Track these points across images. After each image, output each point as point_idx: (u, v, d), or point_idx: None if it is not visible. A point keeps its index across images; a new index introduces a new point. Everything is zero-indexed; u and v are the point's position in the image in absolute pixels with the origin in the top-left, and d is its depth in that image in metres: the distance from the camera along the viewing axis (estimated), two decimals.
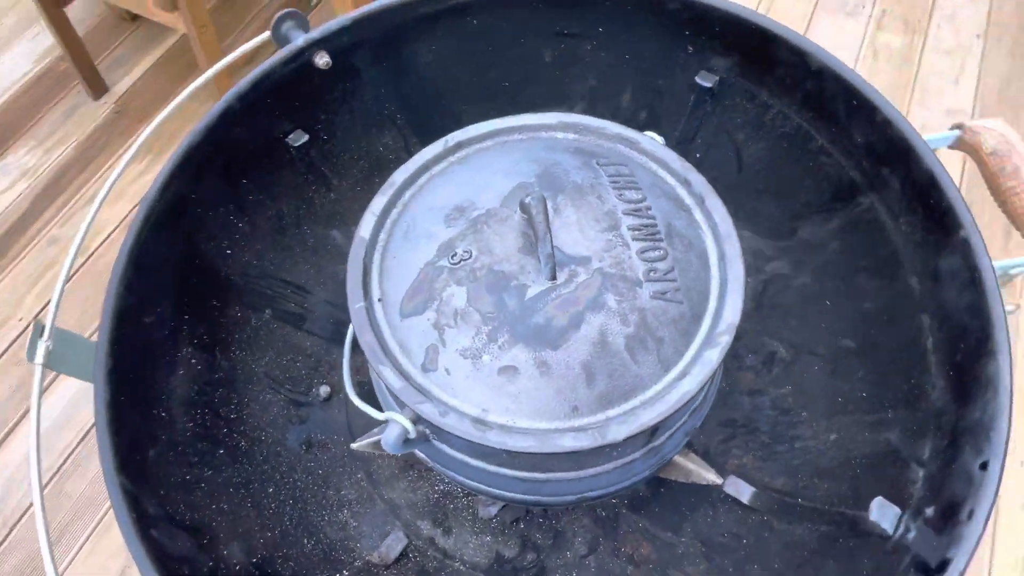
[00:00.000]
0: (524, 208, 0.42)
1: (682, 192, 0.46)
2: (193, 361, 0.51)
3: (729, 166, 0.63)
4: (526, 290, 0.40)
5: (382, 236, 0.46)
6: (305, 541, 0.52)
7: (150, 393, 0.46)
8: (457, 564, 0.57)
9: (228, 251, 0.57)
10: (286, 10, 0.56)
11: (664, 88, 0.62)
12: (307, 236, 0.64)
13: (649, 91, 0.63)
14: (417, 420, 0.40)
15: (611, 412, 0.38)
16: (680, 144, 0.65)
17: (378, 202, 0.46)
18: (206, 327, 0.54)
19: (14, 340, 1.37)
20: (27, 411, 1.28)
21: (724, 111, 0.61)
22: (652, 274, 0.41)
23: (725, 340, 0.40)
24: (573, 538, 0.59)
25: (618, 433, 0.37)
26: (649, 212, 0.44)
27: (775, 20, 0.53)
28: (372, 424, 0.63)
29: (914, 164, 0.47)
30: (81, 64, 1.59)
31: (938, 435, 0.42)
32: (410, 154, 0.57)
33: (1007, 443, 0.35)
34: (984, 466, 0.35)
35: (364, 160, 0.66)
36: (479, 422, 0.38)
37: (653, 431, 0.43)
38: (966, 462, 0.37)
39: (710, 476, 0.57)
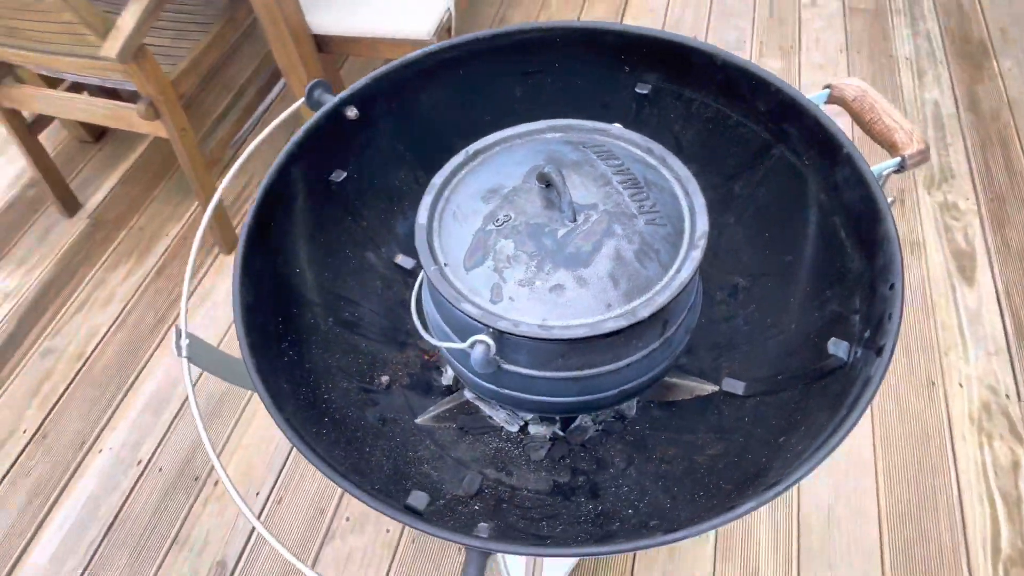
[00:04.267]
0: (542, 177, 0.57)
1: (648, 157, 0.63)
2: (291, 353, 0.63)
3: (671, 150, 0.82)
4: (557, 232, 0.56)
5: (435, 223, 0.60)
6: (404, 482, 0.63)
7: (275, 369, 0.58)
8: (524, 492, 0.68)
9: (298, 270, 0.70)
10: (316, 80, 0.72)
11: (612, 101, 0.81)
12: (350, 258, 0.77)
13: (600, 105, 0.82)
14: (498, 337, 0.53)
15: (635, 302, 0.53)
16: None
17: (426, 200, 0.61)
18: (293, 330, 0.66)
19: (20, 452, 1.39)
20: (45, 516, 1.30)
21: (661, 109, 0.80)
22: (642, 209, 0.57)
23: (702, 243, 0.56)
24: (612, 459, 0.71)
25: (644, 312, 0.52)
26: (629, 171, 0.61)
27: (686, 35, 0.73)
28: (428, 405, 0.75)
29: (803, 115, 0.66)
30: (55, 185, 1.69)
31: (862, 289, 0.58)
32: (420, 185, 0.72)
33: (902, 268, 0.52)
34: (891, 287, 0.52)
35: (384, 193, 0.81)
36: (543, 327, 0.52)
37: (664, 323, 0.58)
38: (881, 290, 0.53)
39: (707, 387, 0.72)
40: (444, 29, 1.53)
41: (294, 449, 0.56)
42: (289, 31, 1.39)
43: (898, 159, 0.61)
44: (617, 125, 0.66)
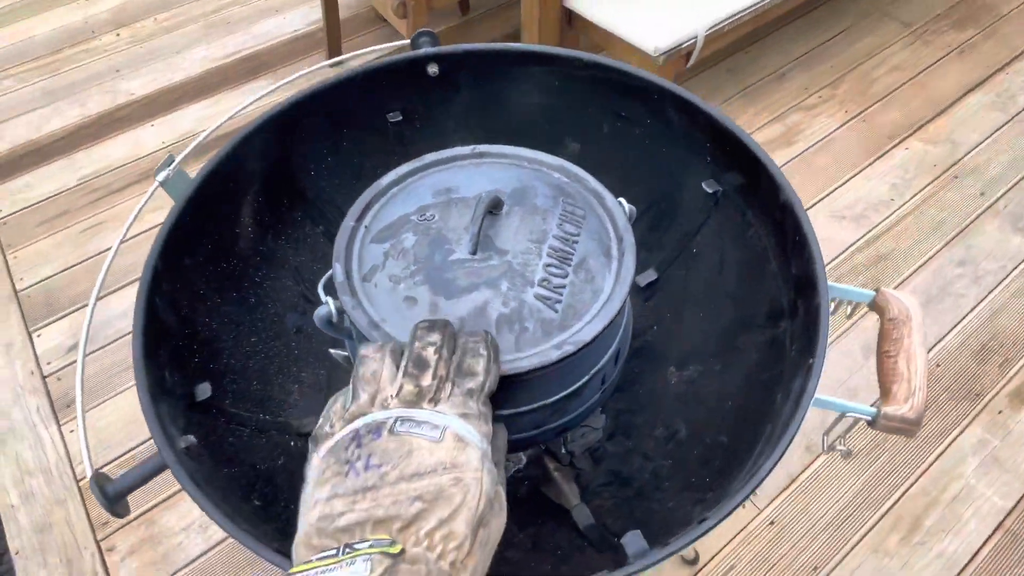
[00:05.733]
0: (489, 201, 0.56)
1: (613, 246, 0.57)
2: (250, 223, 0.71)
3: (714, 264, 0.72)
4: (452, 253, 0.54)
5: (394, 190, 0.62)
6: (255, 383, 0.68)
7: (213, 215, 0.66)
8: None
9: (312, 172, 0.77)
10: (423, 28, 0.76)
11: (680, 178, 0.73)
12: None
13: (666, 175, 0.74)
14: (340, 310, 0.54)
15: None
16: (685, 236, 0.75)
17: (404, 168, 0.63)
18: (271, 212, 0.73)
19: None
20: None
21: (723, 218, 0.71)
22: (544, 283, 0.53)
23: (569, 349, 0.50)
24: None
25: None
26: (575, 245, 0.56)
27: (767, 154, 0.63)
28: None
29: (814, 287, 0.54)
30: (332, 38, 1.98)
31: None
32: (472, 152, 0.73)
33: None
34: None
35: (435, 148, 0.83)
36: (374, 324, 0.52)
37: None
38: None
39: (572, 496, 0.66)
40: (682, 55, 1.47)
41: None
42: None
43: (874, 410, 0.48)
44: (622, 201, 0.60)
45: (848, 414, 0.49)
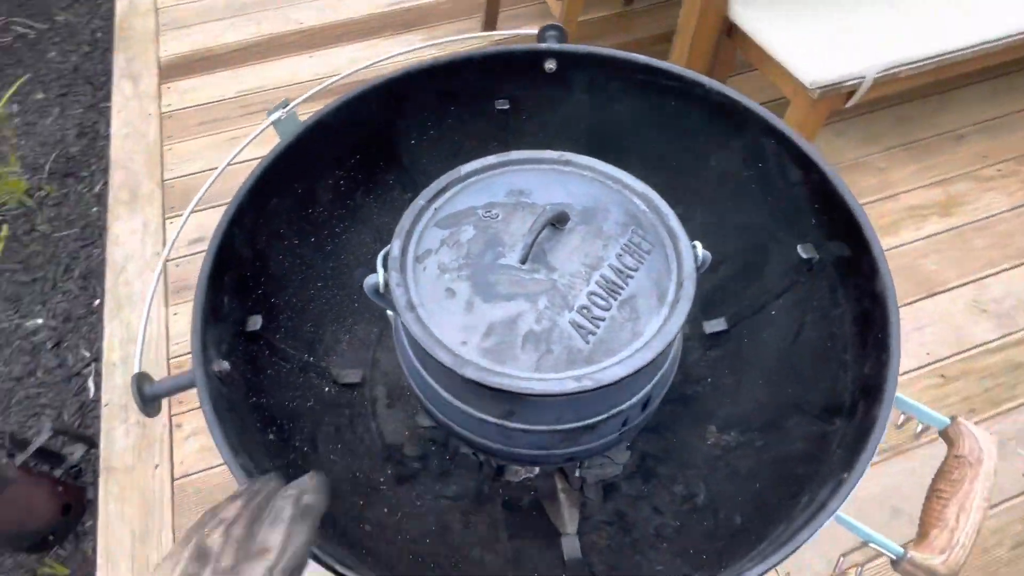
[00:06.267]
0: (555, 216, 0.54)
1: (671, 291, 0.54)
2: (343, 176, 0.75)
3: (788, 334, 0.67)
4: (502, 256, 0.54)
5: (473, 179, 0.62)
6: (309, 325, 0.72)
7: (311, 163, 0.70)
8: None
9: (412, 141, 0.79)
10: (551, 23, 0.74)
11: (775, 233, 0.68)
12: None
13: (762, 227, 0.69)
14: (387, 283, 0.56)
15: (483, 362, 0.50)
16: (765, 296, 0.70)
17: (488, 160, 0.63)
18: (366, 170, 0.76)
19: None
20: None
21: (811, 288, 0.65)
22: (584, 311, 0.51)
23: (587, 384, 0.48)
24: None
25: (466, 372, 0.49)
26: (628, 279, 0.53)
27: (875, 233, 0.56)
28: None
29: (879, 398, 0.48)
30: (491, 5, 2.00)
31: None
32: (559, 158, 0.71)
33: None
34: None
35: (534, 144, 0.83)
36: (411, 305, 0.53)
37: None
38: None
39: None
40: (842, 93, 1.34)
41: None
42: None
43: (901, 551, 0.43)
44: (696, 244, 0.57)
45: (871, 544, 0.44)
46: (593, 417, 0.54)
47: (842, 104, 1.37)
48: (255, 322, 0.63)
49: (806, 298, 0.65)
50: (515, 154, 0.63)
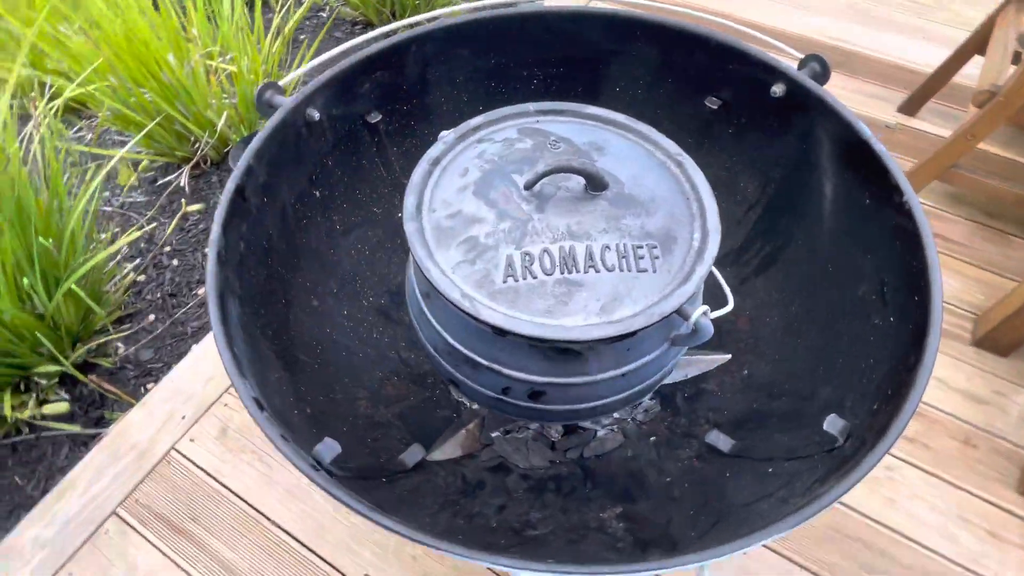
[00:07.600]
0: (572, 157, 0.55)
1: (694, 232, 0.53)
2: (373, 136, 0.77)
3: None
4: (520, 172, 0.55)
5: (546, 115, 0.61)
6: (332, 283, 0.73)
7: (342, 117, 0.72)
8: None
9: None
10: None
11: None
12: None
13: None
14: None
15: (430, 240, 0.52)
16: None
17: (532, 107, 0.61)
18: (390, 128, 0.77)
19: None
20: None
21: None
22: (525, 256, 0.52)
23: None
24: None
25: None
26: (585, 275, 0.51)
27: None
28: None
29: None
30: None
31: None
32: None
33: None
34: None
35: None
36: (435, 160, 0.57)
37: None
38: None
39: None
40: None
41: None
42: None
43: None
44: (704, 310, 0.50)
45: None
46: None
47: None
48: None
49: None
50: (590, 108, 0.61)
